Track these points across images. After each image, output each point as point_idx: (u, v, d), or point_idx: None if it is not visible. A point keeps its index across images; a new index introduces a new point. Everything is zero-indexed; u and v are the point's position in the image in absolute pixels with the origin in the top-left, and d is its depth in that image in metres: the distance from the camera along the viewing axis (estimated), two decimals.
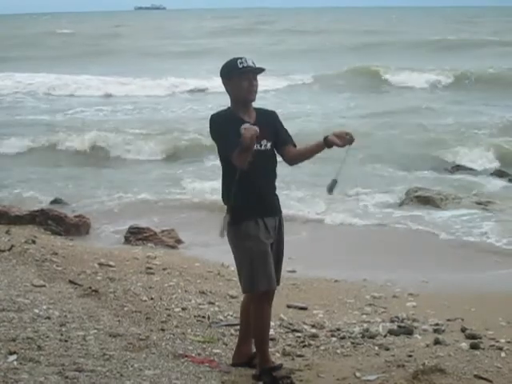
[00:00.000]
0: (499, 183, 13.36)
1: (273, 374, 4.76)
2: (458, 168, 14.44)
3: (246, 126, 4.47)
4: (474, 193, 12.28)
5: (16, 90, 28.55)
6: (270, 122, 4.83)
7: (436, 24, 65.11)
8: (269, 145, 4.76)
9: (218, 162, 4.93)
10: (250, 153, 4.47)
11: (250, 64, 4.72)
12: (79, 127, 18.99)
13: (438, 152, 15.44)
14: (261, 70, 4.75)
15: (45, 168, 15.19)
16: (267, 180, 4.83)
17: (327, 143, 4.66)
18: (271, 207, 4.83)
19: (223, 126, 4.66)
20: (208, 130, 4.76)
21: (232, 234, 4.77)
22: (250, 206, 4.71)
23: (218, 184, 5.14)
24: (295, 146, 4.91)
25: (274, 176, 4.88)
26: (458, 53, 37.17)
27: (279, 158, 4.91)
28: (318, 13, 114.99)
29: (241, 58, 4.73)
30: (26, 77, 31.22)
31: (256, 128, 4.44)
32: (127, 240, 9.74)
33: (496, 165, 14.69)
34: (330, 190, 4.72)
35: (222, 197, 4.84)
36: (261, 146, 4.71)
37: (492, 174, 13.94)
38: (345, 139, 4.64)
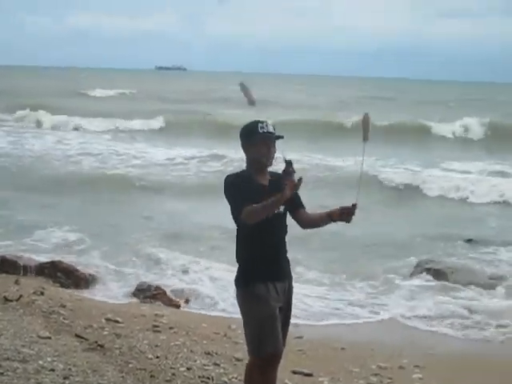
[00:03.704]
0: None
1: None
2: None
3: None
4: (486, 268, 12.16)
5: None
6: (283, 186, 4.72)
7: None
8: (282, 208, 4.70)
9: None
10: (270, 211, 4.50)
11: (271, 130, 4.69)
12: None
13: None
14: (280, 137, 4.74)
15: None
16: (278, 244, 4.80)
17: (332, 218, 4.68)
18: (282, 271, 4.80)
19: (238, 186, 4.65)
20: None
21: (241, 295, 4.75)
22: (261, 268, 4.68)
23: None
24: (304, 208, 4.90)
25: (285, 240, 4.86)
26: None
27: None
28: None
29: (262, 122, 4.69)
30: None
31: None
32: (135, 296, 9.72)
33: None
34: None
35: (236, 256, 4.83)
36: None
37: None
38: (349, 214, 4.61)
